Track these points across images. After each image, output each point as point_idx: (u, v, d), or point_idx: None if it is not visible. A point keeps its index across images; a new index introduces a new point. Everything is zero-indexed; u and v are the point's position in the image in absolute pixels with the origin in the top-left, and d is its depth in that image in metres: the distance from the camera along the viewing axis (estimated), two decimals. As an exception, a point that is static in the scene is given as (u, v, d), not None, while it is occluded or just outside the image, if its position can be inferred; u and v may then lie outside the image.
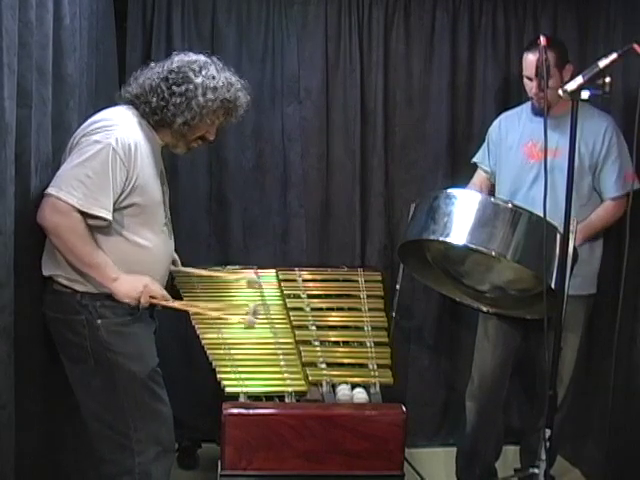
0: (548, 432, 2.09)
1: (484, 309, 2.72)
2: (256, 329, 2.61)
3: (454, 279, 2.69)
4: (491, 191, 2.89)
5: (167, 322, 2.61)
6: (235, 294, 2.69)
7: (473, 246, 2.28)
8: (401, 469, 2.50)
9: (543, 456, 2.14)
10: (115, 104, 2.19)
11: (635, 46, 1.92)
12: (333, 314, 2.76)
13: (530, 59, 2.63)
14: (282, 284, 2.76)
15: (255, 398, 2.55)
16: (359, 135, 3.22)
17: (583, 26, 3.20)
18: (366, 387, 2.64)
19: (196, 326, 2.60)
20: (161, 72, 2.14)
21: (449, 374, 3.39)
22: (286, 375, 2.60)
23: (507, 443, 3.08)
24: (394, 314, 2.78)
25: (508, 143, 2.81)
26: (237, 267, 2.80)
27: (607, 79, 1.94)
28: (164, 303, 2.17)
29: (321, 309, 2.76)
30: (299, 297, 2.75)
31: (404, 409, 2.50)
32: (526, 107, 2.82)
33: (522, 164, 2.73)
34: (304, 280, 2.79)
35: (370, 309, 2.75)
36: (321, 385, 2.62)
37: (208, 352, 2.58)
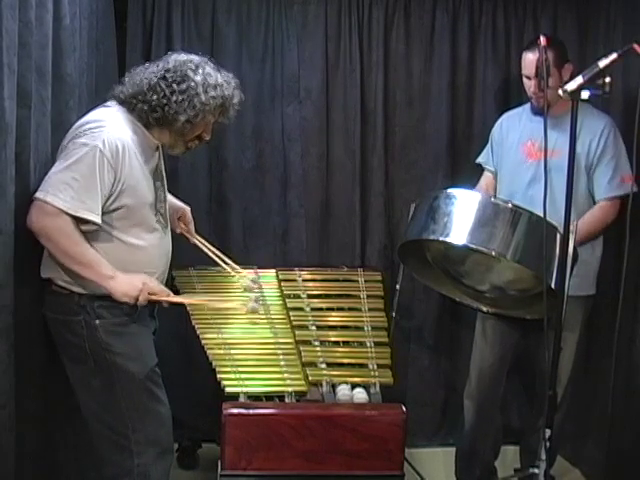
0: (548, 432, 2.09)
1: (484, 309, 2.72)
2: (256, 329, 2.62)
3: (454, 279, 2.69)
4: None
5: (167, 322, 2.60)
6: (235, 293, 2.68)
7: (473, 246, 2.27)
8: (401, 469, 2.50)
9: (543, 456, 2.14)
10: (106, 105, 2.16)
11: (635, 46, 1.92)
12: (333, 314, 2.76)
13: (529, 58, 2.63)
14: (282, 284, 2.76)
15: (255, 398, 2.54)
16: (359, 135, 3.22)
17: (583, 26, 3.20)
18: (366, 387, 2.64)
19: (196, 326, 2.60)
20: (157, 71, 2.10)
21: (449, 374, 3.39)
22: (286, 375, 2.60)
23: (507, 443, 3.08)
24: (394, 314, 2.78)
25: (509, 142, 2.81)
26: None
27: (607, 79, 1.94)
28: (165, 298, 2.16)
29: (321, 309, 2.76)
30: (299, 297, 2.75)
31: (404, 409, 2.50)
32: (527, 107, 2.82)
33: (521, 163, 2.73)
34: (304, 280, 2.79)
35: (370, 309, 2.75)
36: (321, 385, 2.62)
37: (208, 352, 2.59)
